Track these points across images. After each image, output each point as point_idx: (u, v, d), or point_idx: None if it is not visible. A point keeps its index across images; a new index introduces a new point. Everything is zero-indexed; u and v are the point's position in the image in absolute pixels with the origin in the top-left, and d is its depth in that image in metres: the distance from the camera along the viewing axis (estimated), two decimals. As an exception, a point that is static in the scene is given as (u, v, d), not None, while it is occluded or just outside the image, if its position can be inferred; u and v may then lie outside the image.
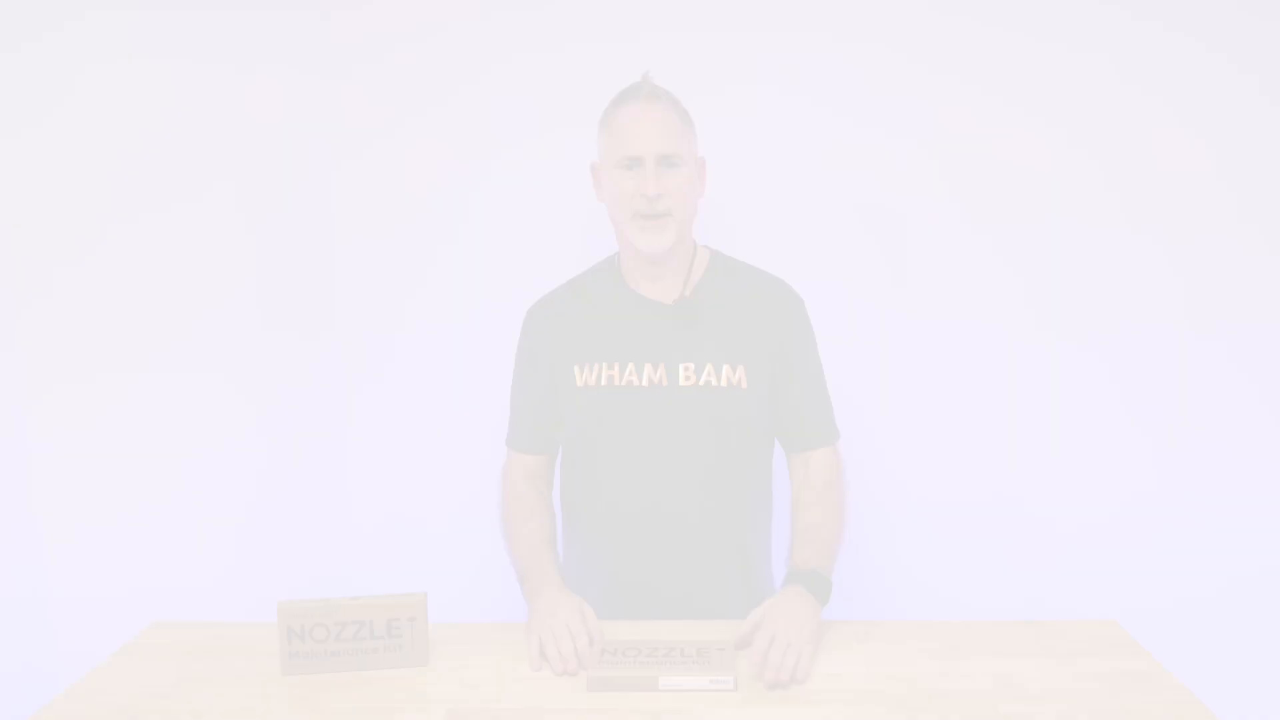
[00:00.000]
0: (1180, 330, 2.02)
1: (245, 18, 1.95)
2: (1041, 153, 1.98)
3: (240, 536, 2.00)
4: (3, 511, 1.74)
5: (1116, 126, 1.97)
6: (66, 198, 1.77)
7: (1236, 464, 2.05)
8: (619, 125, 1.46)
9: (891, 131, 1.99)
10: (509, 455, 1.65)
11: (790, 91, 1.99)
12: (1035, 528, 2.10)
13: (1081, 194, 1.99)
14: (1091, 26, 1.95)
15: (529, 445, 1.62)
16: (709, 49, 1.98)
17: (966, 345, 2.06)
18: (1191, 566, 2.07)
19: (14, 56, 1.71)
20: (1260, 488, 2.05)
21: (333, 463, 2.18)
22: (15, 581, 1.77)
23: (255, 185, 1.99)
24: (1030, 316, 2.04)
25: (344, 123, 2.08)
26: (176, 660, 1.35)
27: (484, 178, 2.07)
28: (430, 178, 2.08)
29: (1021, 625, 1.43)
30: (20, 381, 1.77)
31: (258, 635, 1.41)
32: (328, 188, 2.11)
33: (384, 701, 1.23)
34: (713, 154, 1.57)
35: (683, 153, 1.45)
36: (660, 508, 1.50)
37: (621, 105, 1.48)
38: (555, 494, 1.66)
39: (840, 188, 2.02)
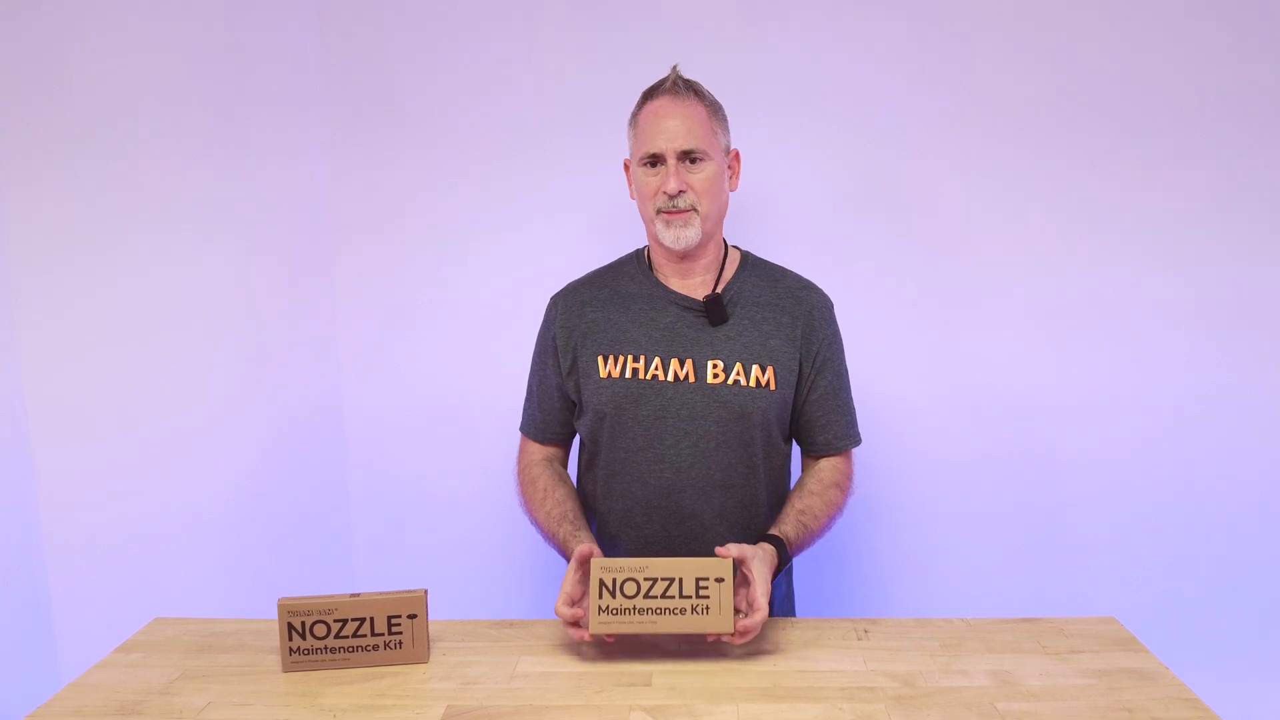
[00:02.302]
0: (1182, 330, 2.02)
1: (244, 4, 1.95)
2: (1062, 153, 1.98)
3: (241, 533, 2.00)
4: (4, 507, 1.74)
5: (1134, 123, 1.97)
6: (64, 193, 1.77)
7: (1236, 462, 2.05)
8: (642, 123, 1.47)
9: (912, 130, 1.99)
10: (523, 442, 1.64)
11: (816, 92, 2.00)
12: (1035, 525, 2.10)
13: (1092, 197, 1.99)
14: (1116, 25, 1.94)
15: (542, 435, 1.61)
16: (735, 44, 1.98)
17: (968, 345, 2.06)
18: (1191, 563, 2.07)
19: (13, 48, 1.71)
20: (1260, 485, 2.05)
21: (334, 460, 2.18)
22: (16, 577, 1.77)
23: (255, 179, 1.99)
24: (1032, 317, 2.04)
25: (348, 114, 2.08)
26: (177, 656, 1.35)
27: (483, 172, 2.07)
28: (429, 172, 2.08)
29: (1020, 623, 1.43)
30: (21, 377, 1.77)
31: (258, 632, 1.42)
32: (325, 183, 2.11)
33: (384, 698, 1.23)
34: (743, 153, 1.56)
35: (707, 148, 1.44)
36: (677, 505, 1.49)
37: (646, 102, 1.47)
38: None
39: (864, 189, 2.03)
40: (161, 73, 1.84)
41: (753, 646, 1.35)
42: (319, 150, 2.09)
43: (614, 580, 1.29)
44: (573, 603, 1.32)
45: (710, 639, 1.30)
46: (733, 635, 1.28)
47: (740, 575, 1.33)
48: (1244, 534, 2.06)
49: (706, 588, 1.27)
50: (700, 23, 1.98)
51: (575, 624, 1.32)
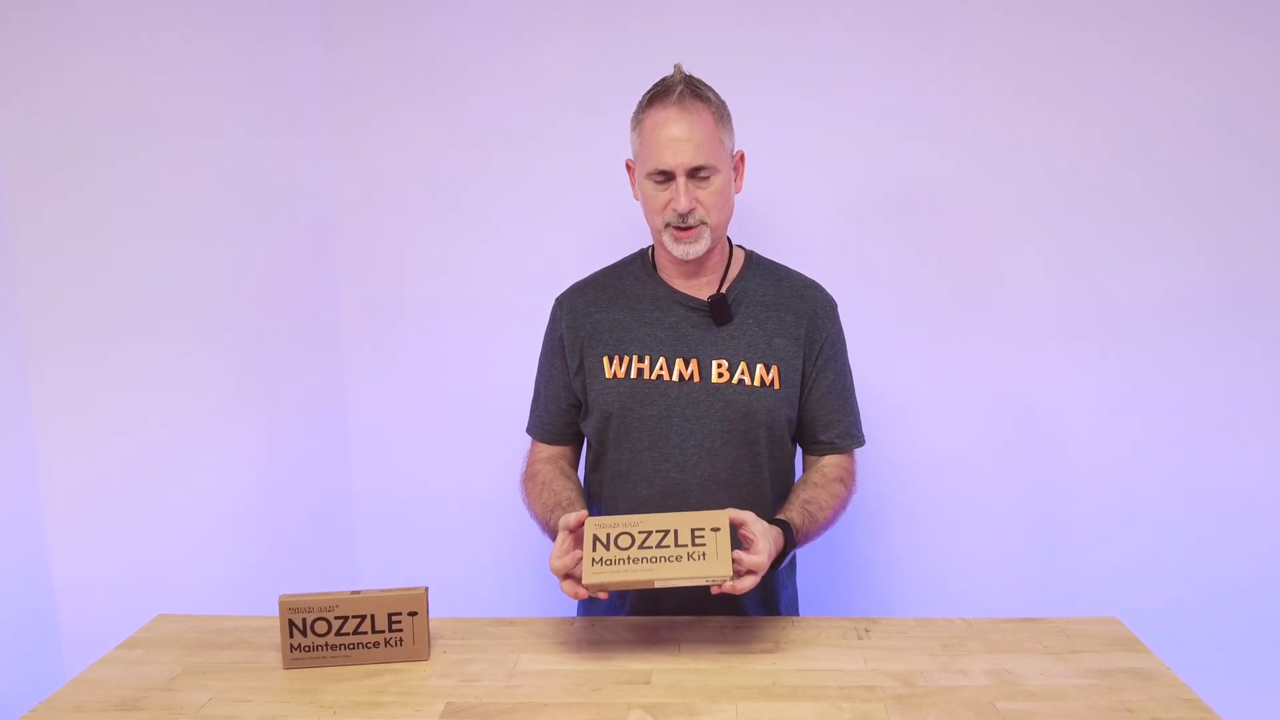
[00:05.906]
0: (1186, 331, 2.01)
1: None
2: (1066, 154, 1.98)
3: (244, 531, 2.01)
4: (8, 503, 1.75)
5: (1141, 124, 1.96)
6: (68, 190, 1.78)
7: (1239, 461, 2.04)
8: (648, 134, 1.41)
9: (919, 130, 1.99)
10: (531, 444, 1.64)
11: (824, 91, 1.99)
12: (1036, 524, 2.09)
13: (1099, 197, 1.99)
14: (1132, 26, 1.94)
15: (549, 436, 1.61)
16: (744, 41, 1.98)
17: (970, 345, 2.05)
18: (1193, 563, 2.06)
19: (16, 41, 1.72)
20: (1263, 486, 2.04)
21: (336, 457, 2.19)
22: (22, 573, 1.78)
23: (259, 176, 2.00)
24: (1036, 317, 2.03)
25: (353, 109, 2.09)
26: (180, 653, 1.36)
27: (488, 170, 2.07)
28: (435, 169, 2.08)
29: (1022, 622, 1.43)
30: (25, 375, 1.78)
31: (260, 629, 1.43)
32: (332, 180, 2.11)
33: (385, 696, 1.23)
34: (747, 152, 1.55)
35: (715, 161, 1.40)
36: (683, 505, 1.48)
37: (652, 110, 1.41)
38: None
39: (872, 189, 2.02)
40: (164, 65, 1.84)
41: (752, 645, 1.35)
42: (324, 146, 2.09)
43: (608, 535, 1.26)
44: (566, 555, 1.29)
45: (714, 591, 1.26)
46: (734, 581, 1.25)
47: (741, 538, 1.30)
48: (1247, 535, 2.05)
49: (702, 536, 1.25)
50: (710, 18, 1.98)
51: (569, 576, 1.29)
